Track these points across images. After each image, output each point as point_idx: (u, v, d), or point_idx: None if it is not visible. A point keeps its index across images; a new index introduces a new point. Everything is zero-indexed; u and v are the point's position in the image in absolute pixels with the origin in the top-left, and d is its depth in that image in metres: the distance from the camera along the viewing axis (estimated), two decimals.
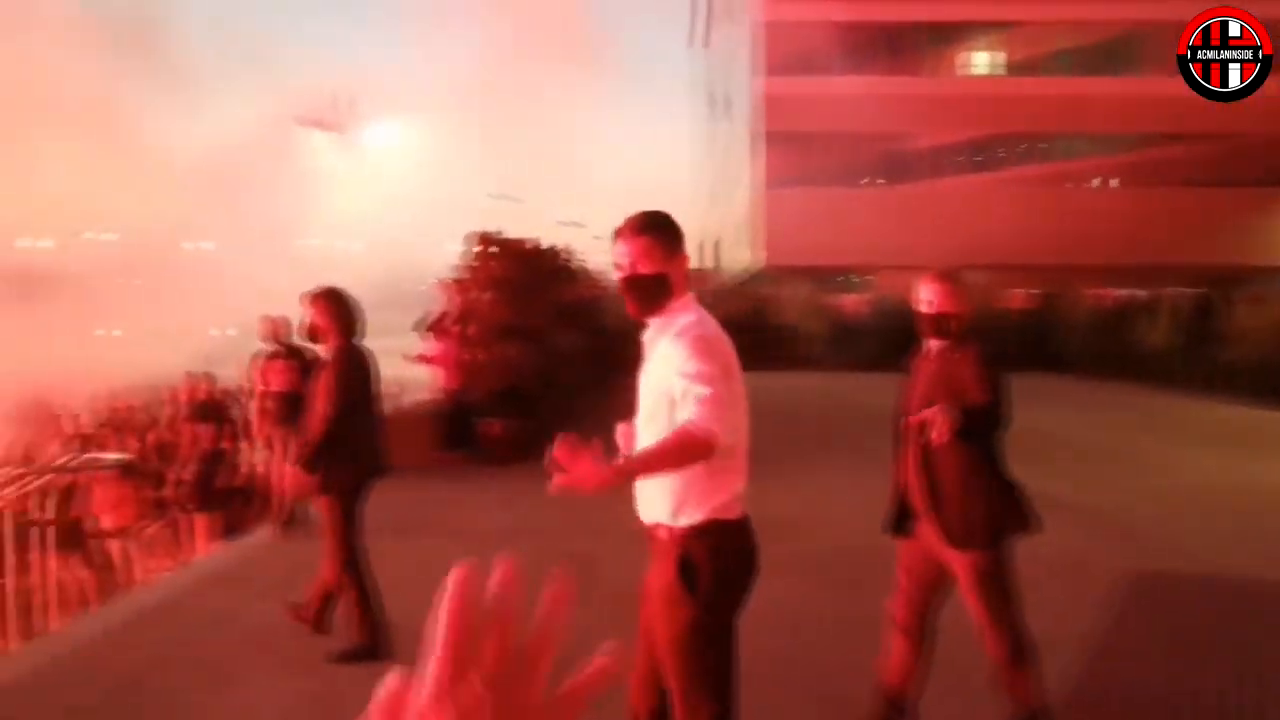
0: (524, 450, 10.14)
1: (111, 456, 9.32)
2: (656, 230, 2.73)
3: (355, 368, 5.06)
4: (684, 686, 2.62)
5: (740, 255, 38.68)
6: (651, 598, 2.74)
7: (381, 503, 5.65)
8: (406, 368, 11.81)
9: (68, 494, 10.01)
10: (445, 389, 10.51)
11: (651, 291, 2.69)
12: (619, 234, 2.74)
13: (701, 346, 2.57)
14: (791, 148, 34.27)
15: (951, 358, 3.70)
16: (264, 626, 5.25)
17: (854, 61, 32.90)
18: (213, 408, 9.86)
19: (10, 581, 8.66)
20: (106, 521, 9.32)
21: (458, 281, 10.50)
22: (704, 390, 2.51)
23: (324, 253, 39.94)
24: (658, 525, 2.71)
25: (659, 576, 2.69)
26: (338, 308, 5.11)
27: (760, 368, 22.61)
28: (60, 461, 9.24)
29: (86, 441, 13.54)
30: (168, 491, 9.88)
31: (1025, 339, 21.55)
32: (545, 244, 11.66)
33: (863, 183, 36.28)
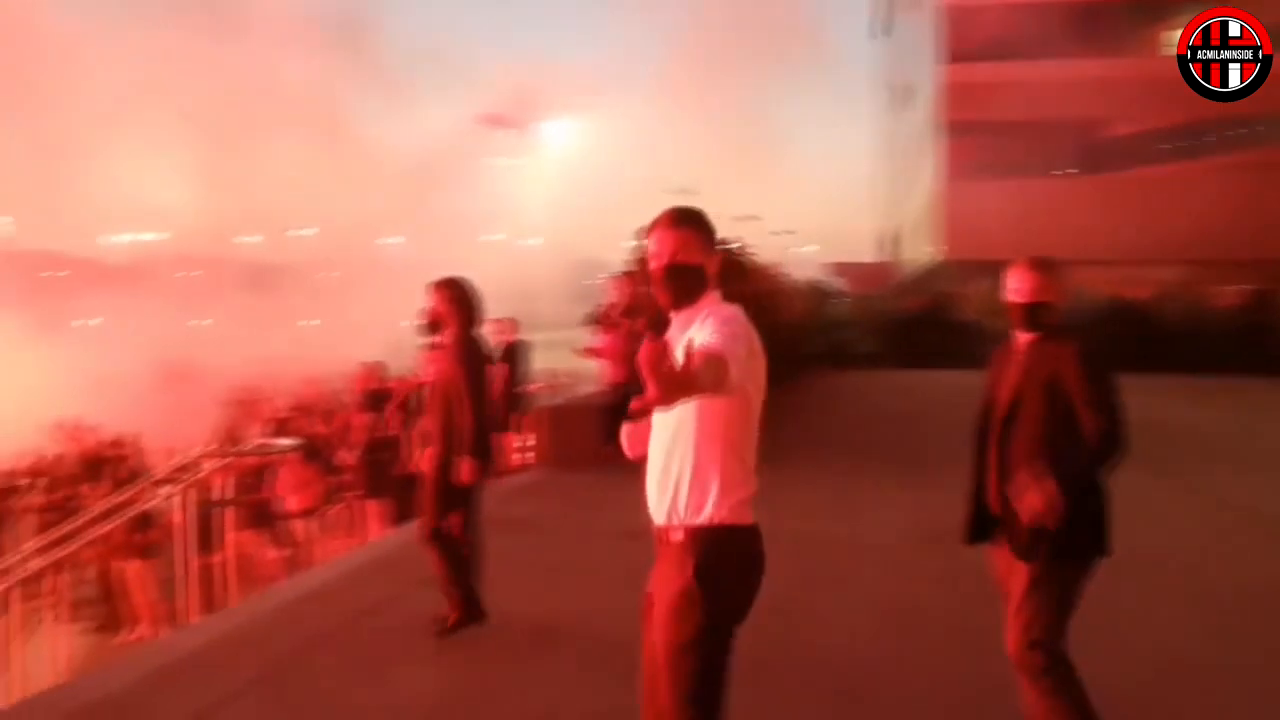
0: None
1: (285, 442, 9.74)
2: (696, 224, 2.75)
3: (472, 356, 5.17)
4: (679, 697, 2.55)
5: (920, 249, 37.41)
6: (658, 605, 2.66)
7: (541, 496, 5.65)
8: (579, 360, 11.89)
9: (258, 475, 10.57)
10: (611, 382, 10.48)
11: (689, 282, 2.70)
12: (655, 225, 2.75)
13: (729, 328, 2.54)
14: (976, 137, 32.84)
15: (1045, 353, 3.41)
16: (421, 615, 5.29)
17: (1044, 44, 31.14)
18: (380, 396, 10.17)
19: (203, 558, 9.23)
20: (290, 503, 9.76)
21: (625, 275, 10.44)
22: (724, 337, 2.49)
23: (506, 248, 41.07)
24: (671, 528, 2.65)
25: (670, 583, 2.62)
26: (458, 297, 5.19)
27: (939, 365, 21.95)
28: (241, 446, 9.72)
29: (281, 425, 14.30)
30: (345, 477, 10.26)
31: (1237, 339, 19.85)
32: (720, 238, 11.46)
33: (1054, 173, 34.37)
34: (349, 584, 6.30)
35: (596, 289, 11.20)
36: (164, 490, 7.55)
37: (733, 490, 2.60)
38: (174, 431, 15.41)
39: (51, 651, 8.09)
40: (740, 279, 10.92)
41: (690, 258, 2.71)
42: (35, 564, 7.94)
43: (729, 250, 11.06)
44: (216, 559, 9.44)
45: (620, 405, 10.23)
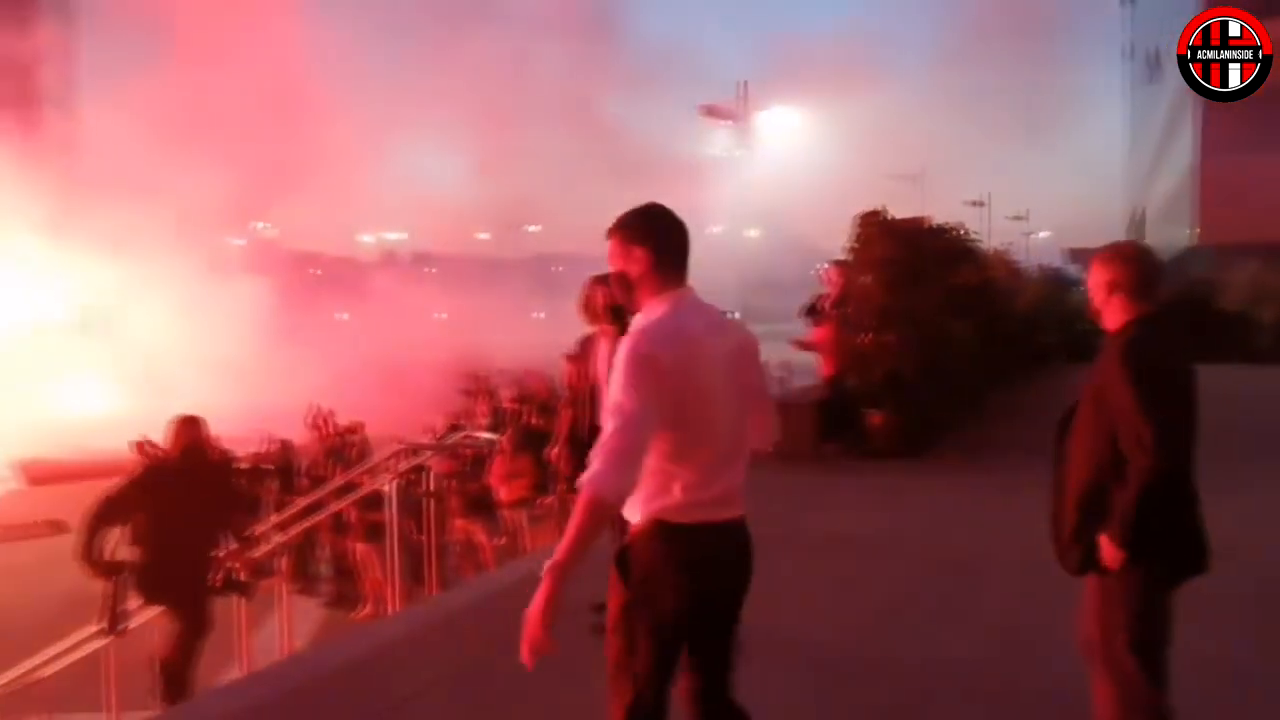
0: (906, 444, 9.47)
1: (488, 435, 9.93)
2: (619, 228, 2.78)
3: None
4: (609, 669, 2.71)
5: (1171, 233, 34.39)
6: None
7: (749, 494, 5.31)
8: (794, 353, 11.55)
9: (478, 465, 10.89)
10: (825, 376, 10.10)
11: (620, 290, 2.79)
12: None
13: (628, 363, 2.54)
14: (1241, 106, 29.69)
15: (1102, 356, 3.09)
16: None
17: None
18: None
19: (425, 542, 9.60)
20: (501, 493, 9.96)
21: (839, 264, 10.02)
22: (613, 428, 2.50)
23: (728, 240, 40.98)
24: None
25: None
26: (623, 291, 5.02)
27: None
28: (449, 438, 10.01)
29: (501, 416, 14.74)
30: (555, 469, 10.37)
31: None
32: (940, 224, 10.81)
33: None
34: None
35: (814, 279, 10.82)
36: (384, 477, 7.84)
37: (664, 492, 2.62)
38: (409, 420, 16.25)
39: (290, 624, 8.61)
40: (962, 265, 10.22)
41: (615, 265, 2.77)
42: (276, 540, 8.49)
43: (949, 234, 10.38)
44: (438, 543, 9.82)
45: (835, 400, 9.87)
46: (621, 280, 2.78)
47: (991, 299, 12.20)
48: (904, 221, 10.33)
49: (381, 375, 24.31)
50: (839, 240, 10.48)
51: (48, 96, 30.31)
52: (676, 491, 2.63)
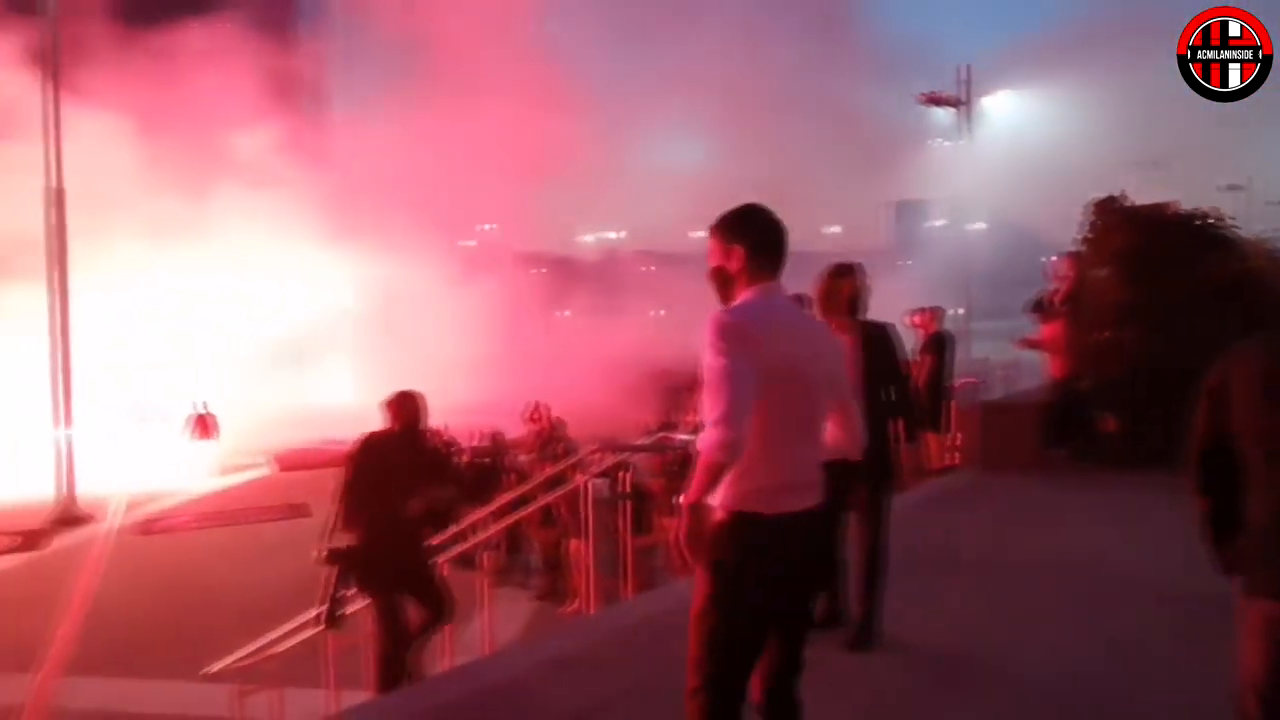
0: (1144, 454, 8.63)
1: (684, 436, 9.81)
2: (716, 227, 2.90)
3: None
4: (691, 651, 2.76)
5: None
6: None
7: (966, 502, 5.00)
8: (1019, 352, 10.85)
9: (683, 465, 10.82)
10: (1053, 376, 9.39)
11: (718, 286, 2.88)
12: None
13: (714, 329, 2.66)
14: None
15: None
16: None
17: None
18: None
19: (634, 541, 9.63)
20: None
21: (1071, 256, 9.28)
22: (712, 392, 2.60)
23: (951, 233, 39.34)
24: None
25: None
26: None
27: None
28: (646, 440, 9.97)
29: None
30: None
31: None
32: (1189, 210, 9.82)
33: None
34: None
35: (1043, 273, 10.11)
36: (582, 475, 7.90)
37: (741, 478, 2.64)
38: (622, 417, 16.49)
39: (495, 618, 8.82)
40: (1214, 256, 9.24)
41: (712, 260, 2.89)
42: (490, 531, 8.71)
43: (1199, 222, 9.39)
44: (644, 543, 9.82)
45: (1063, 403, 9.15)
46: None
47: (1251, 291, 10.95)
48: (1145, 208, 9.44)
49: (599, 373, 24.80)
50: (1071, 231, 9.73)
51: (311, 103, 32.53)
52: (758, 476, 2.67)
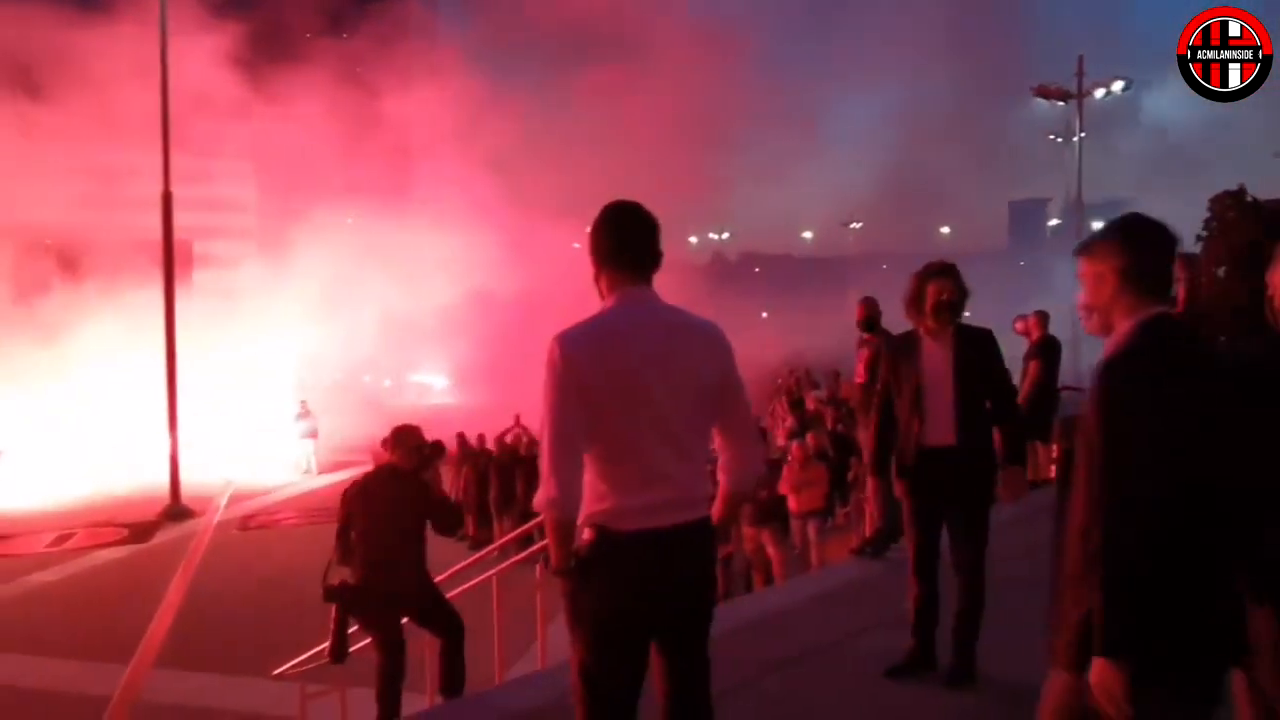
0: None
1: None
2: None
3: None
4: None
5: None
6: None
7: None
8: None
9: (772, 470, 10.48)
10: None
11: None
12: None
13: (547, 358, 2.55)
14: None
15: None
16: (877, 657, 4.54)
17: None
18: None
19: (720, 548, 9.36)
20: (791, 502, 9.50)
21: (1182, 257, 8.61)
22: (541, 437, 2.58)
23: (1067, 233, 37.87)
24: None
25: None
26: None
27: None
28: None
29: (803, 419, 14.28)
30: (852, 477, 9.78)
31: None
32: None
33: None
34: (820, 606, 5.79)
35: None
36: None
37: (602, 496, 2.57)
38: None
39: None
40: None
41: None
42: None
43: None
44: (722, 552, 9.55)
45: None
46: None
47: None
48: (1271, 202, 8.71)
49: None
50: (1194, 228, 9.07)
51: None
52: (618, 494, 2.57)
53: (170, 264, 17.68)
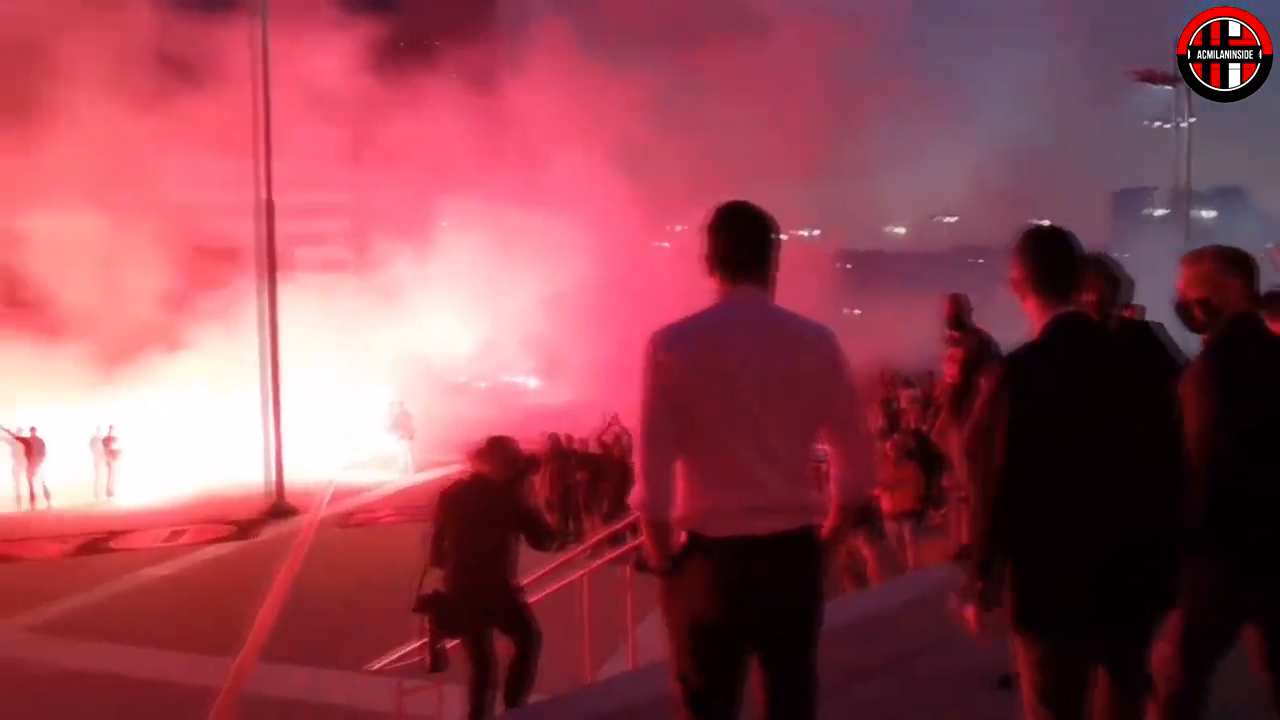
0: None
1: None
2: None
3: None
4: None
5: None
6: None
7: None
8: None
9: None
10: None
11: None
12: None
13: (641, 355, 2.55)
14: None
15: None
16: (974, 666, 4.41)
17: None
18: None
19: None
20: (885, 502, 9.33)
21: None
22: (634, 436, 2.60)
23: (1172, 223, 36.52)
24: None
25: None
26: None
27: None
28: None
29: (891, 418, 14.04)
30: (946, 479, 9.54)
31: None
32: None
33: None
34: (916, 611, 5.66)
35: (1268, 261, 8.97)
36: None
37: (690, 497, 2.55)
38: None
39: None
40: None
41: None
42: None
43: None
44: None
45: None
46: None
47: None
48: None
49: None
50: None
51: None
52: (704, 496, 2.54)
53: (273, 268, 18.25)
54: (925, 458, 9.51)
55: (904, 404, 15.43)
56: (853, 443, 2.65)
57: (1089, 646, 2.57)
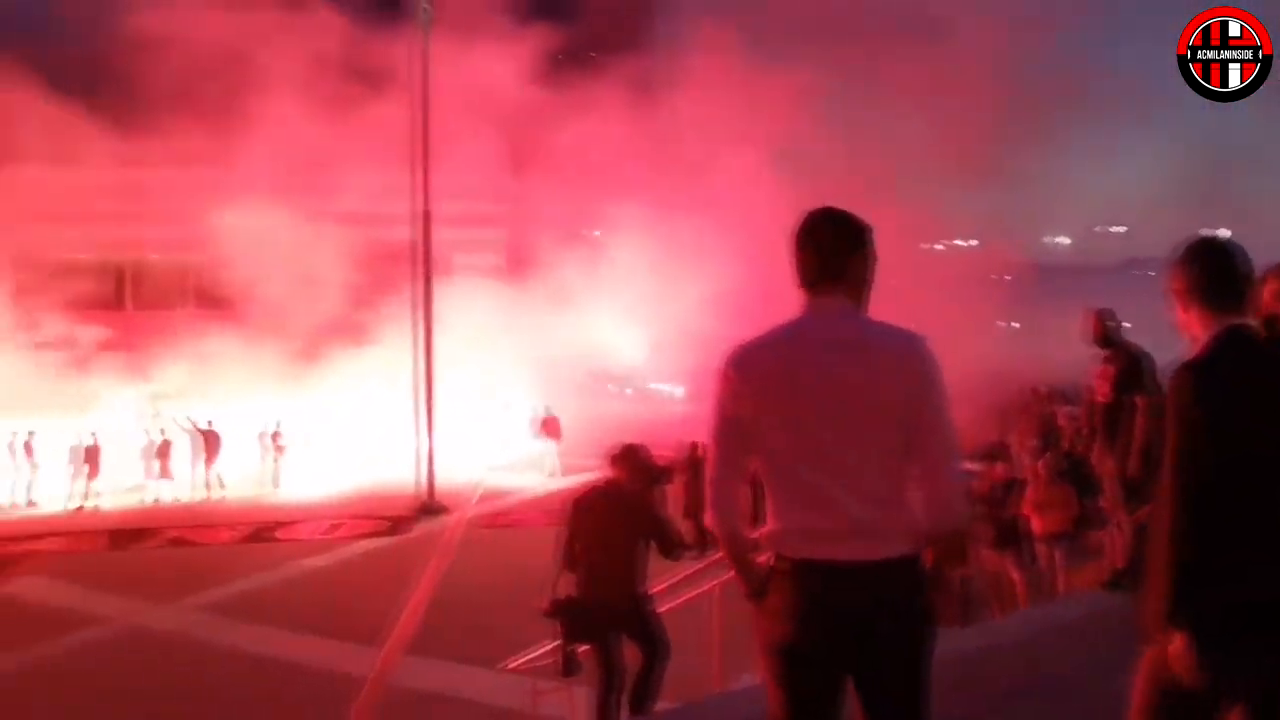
0: None
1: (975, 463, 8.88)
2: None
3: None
4: None
5: None
6: None
7: None
8: None
9: (1007, 488, 9.91)
10: None
11: None
12: None
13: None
14: None
15: None
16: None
17: None
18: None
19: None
20: (1035, 524, 8.91)
21: None
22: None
23: None
24: None
25: None
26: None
27: None
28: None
29: (1049, 434, 13.43)
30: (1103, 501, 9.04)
31: None
32: None
33: None
34: (1061, 639, 5.39)
35: None
36: None
37: (771, 515, 2.48)
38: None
39: None
40: None
41: None
42: None
43: None
44: (959, 574, 9.11)
45: None
46: None
47: None
48: None
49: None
50: None
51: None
52: (783, 515, 2.46)
53: (428, 273, 18.93)
54: (1079, 478, 9.05)
55: (1062, 422, 14.75)
56: (932, 463, 2.44)
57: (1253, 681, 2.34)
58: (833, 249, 2.52)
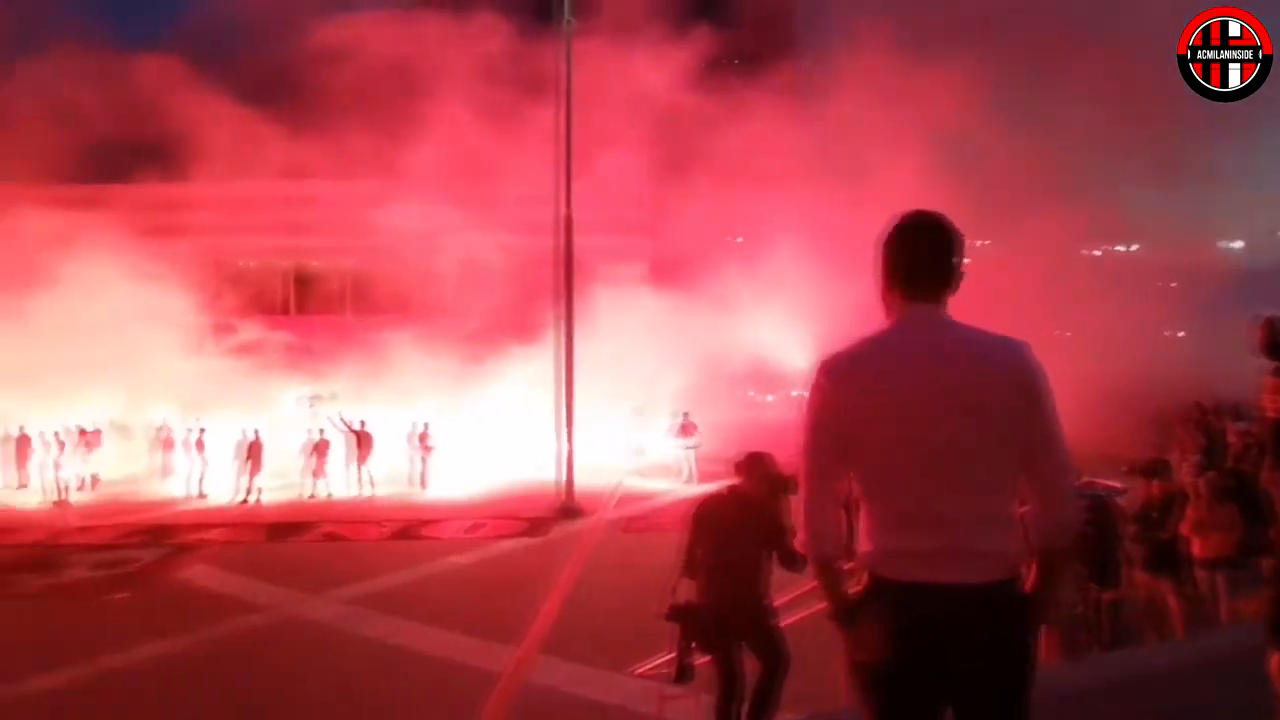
0: None
1: (1112, 483, 8.36)
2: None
3: None
4: None
5: None
6: None
7: None
8: None
9: (1165, 509, 9.33)
10: None
11: None
12: None
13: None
14: None
15: None
16: None
17: None
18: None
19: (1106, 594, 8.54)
20: (1195, 546, 8.37)
21: None
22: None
23: None
24: None
25: None
26: None
27: None
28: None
29: (1219, 452, 12.63)
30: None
31: None
32: None
33: None
34: (1215, 670, 5.05)
35: None
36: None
37: (868, 536, 2.39)
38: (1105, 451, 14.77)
39: None
40: None
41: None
42: None
43: None
44: (1111, 596, 8.64)
45: None
46: None
47: None
48: None
49: (1098, 399, 22.58)
50: None
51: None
52: (882, 536, 2.38)
53: (569, 279, 19.23)
54: (1246, 499, 8.46)
55: (1231, 438, 13.85)
56: (1046, 478, 2.34)
57: None
58: (935, 256, 2.43)
